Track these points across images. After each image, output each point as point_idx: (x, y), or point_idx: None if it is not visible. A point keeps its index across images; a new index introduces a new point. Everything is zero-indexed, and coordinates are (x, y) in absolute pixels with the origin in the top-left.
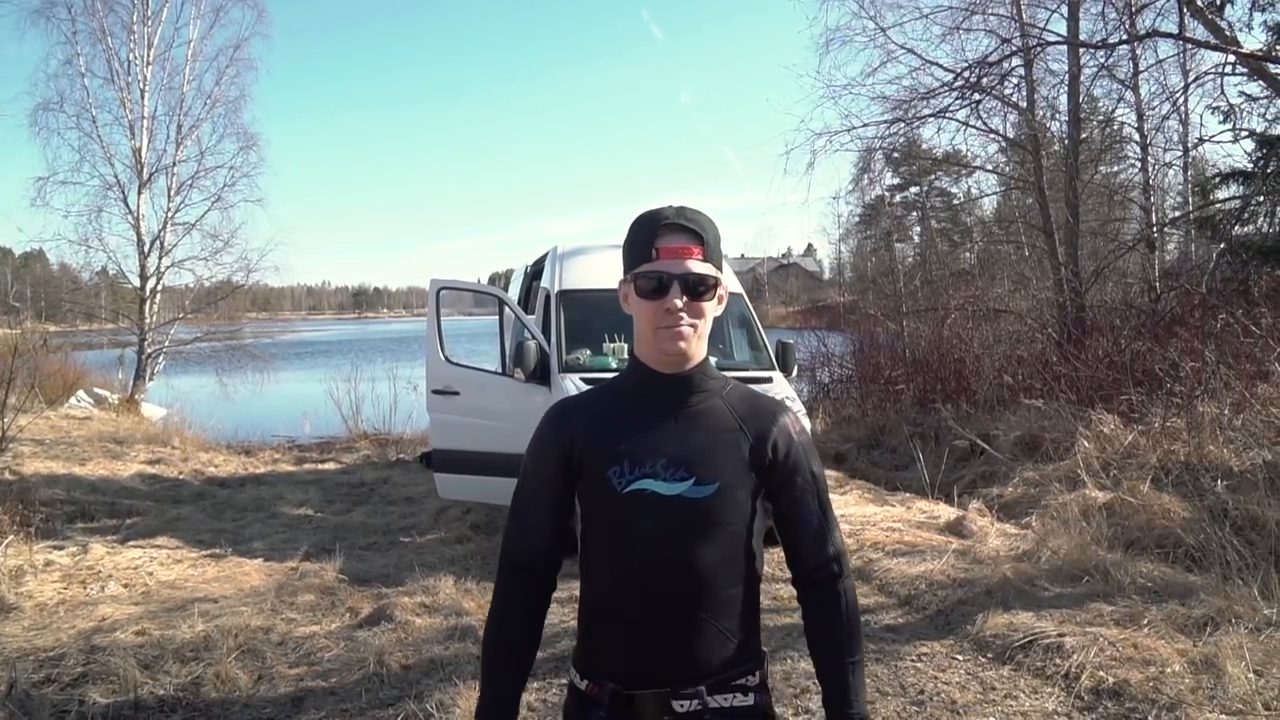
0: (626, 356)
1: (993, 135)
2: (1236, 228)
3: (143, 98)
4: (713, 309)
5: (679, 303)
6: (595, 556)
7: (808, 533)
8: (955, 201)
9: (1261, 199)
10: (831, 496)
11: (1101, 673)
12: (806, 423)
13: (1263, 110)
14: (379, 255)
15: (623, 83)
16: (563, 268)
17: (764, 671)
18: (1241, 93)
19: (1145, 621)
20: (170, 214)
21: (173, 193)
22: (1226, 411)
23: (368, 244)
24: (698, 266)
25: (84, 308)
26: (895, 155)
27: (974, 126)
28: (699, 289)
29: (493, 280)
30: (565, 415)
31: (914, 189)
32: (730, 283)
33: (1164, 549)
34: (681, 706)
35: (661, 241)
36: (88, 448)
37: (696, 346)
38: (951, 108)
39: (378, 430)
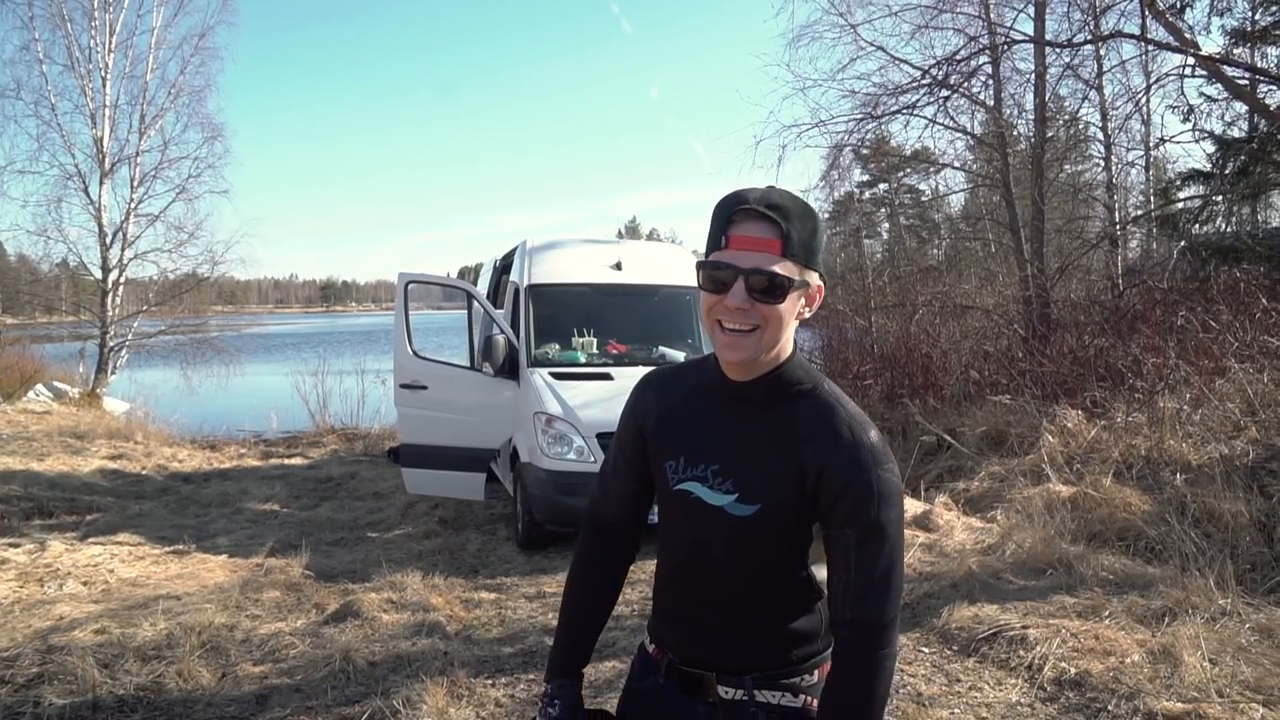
0: (596, 351)
1: (960, 133)
2: (1196, 227)
3: (104, 86)
4: (790, 311)
5: (742, 303)
6: (660, 534)
7: (836, 582)
8: (923, 198)
9: (1220, 199)
10: None
11: (1064, 663)
12: (878, 452)
13: (1221, 112)
14: (347, 248)
15: (592, 76)
16: (532, 262)
17: (829, 667)
18: (1201, 94)
19: (1106, 613)
20: (133, 205)
21: (135, 183)
22: (1186, 406)
23: (336, 237)
24: (770, 263)
25: (43, 300)
26: (864, 151)
27: (941, 124)
28: (769, 290)
29: (462, 274)
30: (647, 390)
31: (883, 185)
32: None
33: (1125, 541)
34: (727, 693)
35: (735, 229)
36: (46, 443)
37: (764, 355)
38: (919, 104)
39: (345, 425)
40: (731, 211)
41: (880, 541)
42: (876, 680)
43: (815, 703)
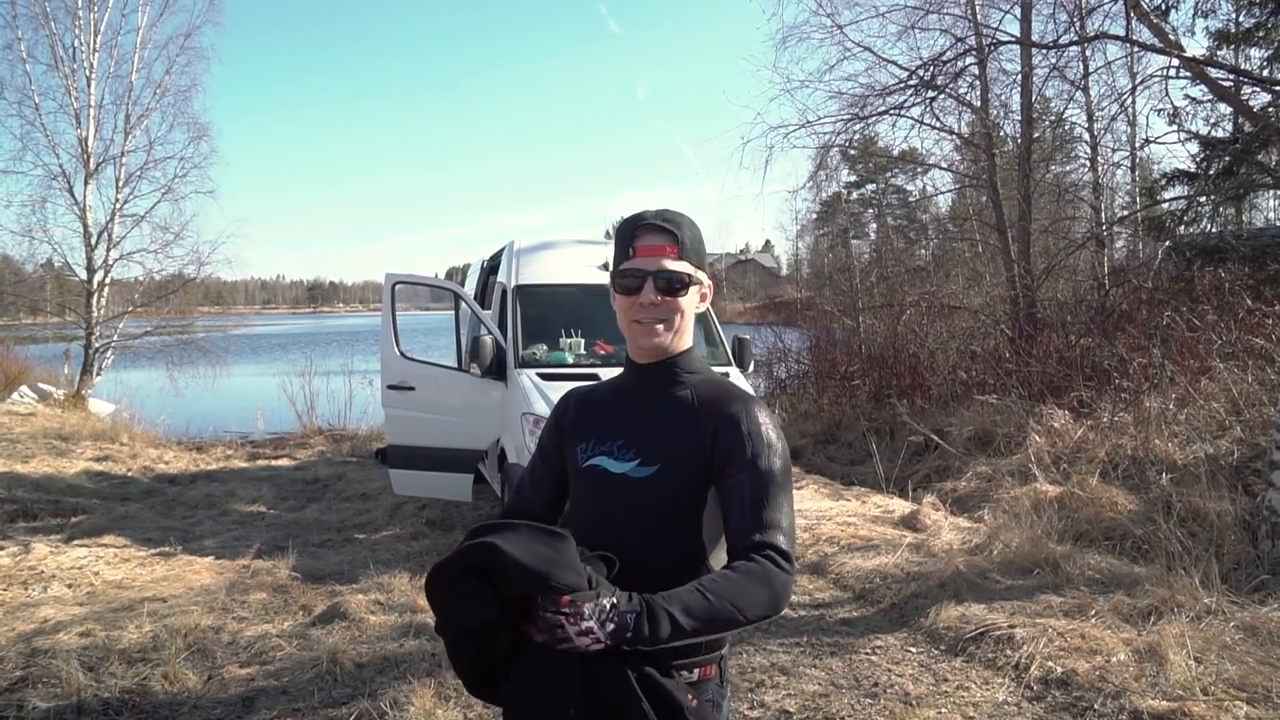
0: (583, 351)
1: (947, 133)
2: (1181, 227)
3: (89, 85)
4: (690, 304)
5: (653, 299)
6: (570, 521)
7: (734, 522)
8: (911, 199)
9: (1204, 199)
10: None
11: (1050, 663)
12: (766, 418)
13: (1205, 113)
14: (335, 249)
15: (580, 77)
16: (519, 263)
17: (712, 671)
18: (1186, 95)
19: (1093, 612)
20: (118, 205)
21: (121, 183)
22: (1171, 406)
23: (323, 238)
24: (671, 264)
25: (28, 300)
26: (852, 152)
27: (928, 124)
28: (673, 285)
29: (450, 275)
30: (569, 395)
31: (870, 186)
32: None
33: (1112, 541)
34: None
35: (639, 241)
36: (31, 444)
37: (673, 340)
38: (906, 105)
39: (332, 426)
40: (635, 228)
41: (772, 486)
42: (758, 578)
43: (694, 700)
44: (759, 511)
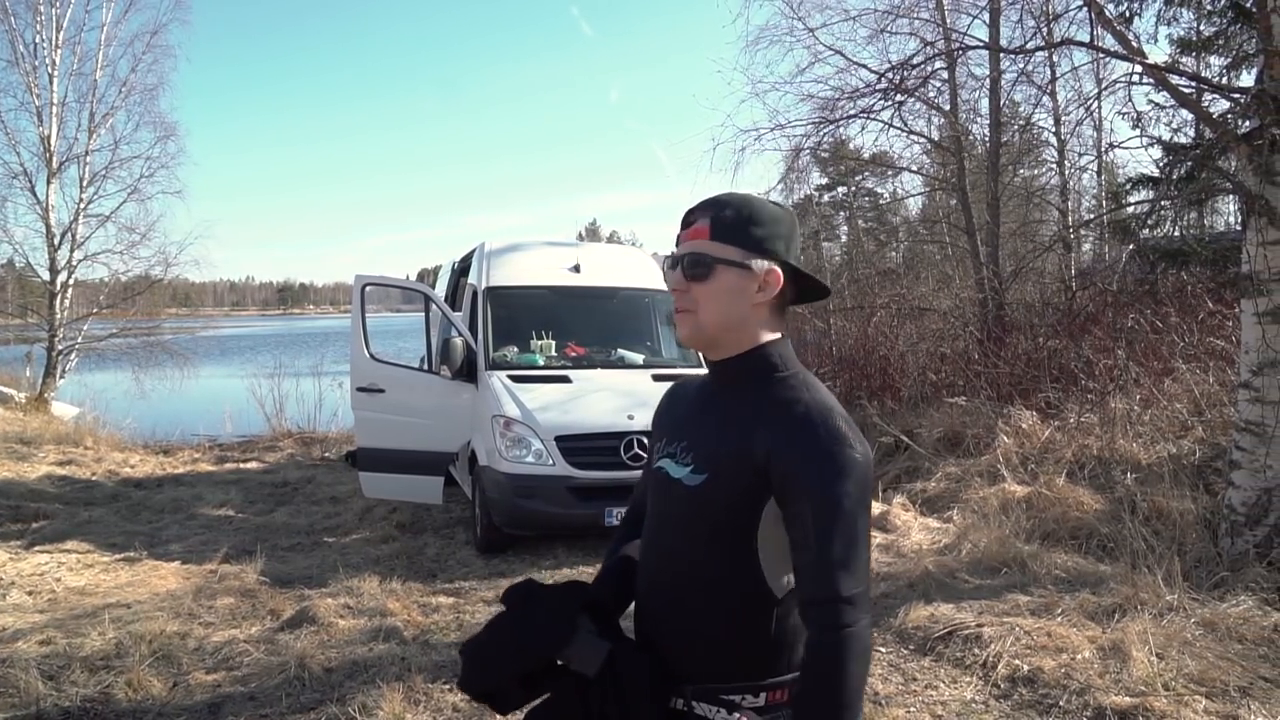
0: (554, 354)
1: (917, 137)
2: (1145, 230)
3: (51, 83)
4: (723, 290)
5: (677, 285)
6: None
7: (799, 563)
8: (881, 201)
9: (1167, 203)
10: None
11: (1017, 661)
12: (838, 435)
13: (1168, 119)
14: (307, 250)
15: (552, 80)
16: (490, 265)
17: (777, 699)
18: (1149, 101)
19: (1059, 611)
20: (83, 205)
21: (85, 183)
22: (1136, 407)
23: (295, 240)
24: (697, 246)
25: None
26: (823, 155)
27: (898, 128)
28: (695, 269)
29: (421, 277)
30: (666, 395)
31: (841, 189)
32: (657, 280)
33: (1078, 540)
34: (672, 702)
35: (683, 228)
36: None
37: (704, 334)
38: (876, 108)
39: (302, 429)
40: (684, 216)
41: (836, 517)
42: (842, 658)
43: None
44: (824, 553)
